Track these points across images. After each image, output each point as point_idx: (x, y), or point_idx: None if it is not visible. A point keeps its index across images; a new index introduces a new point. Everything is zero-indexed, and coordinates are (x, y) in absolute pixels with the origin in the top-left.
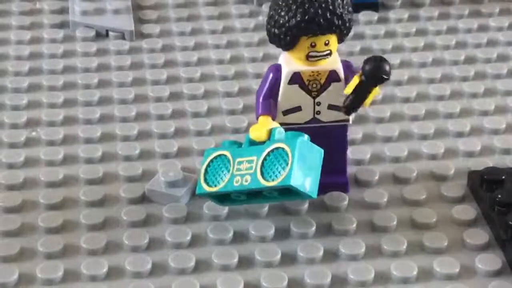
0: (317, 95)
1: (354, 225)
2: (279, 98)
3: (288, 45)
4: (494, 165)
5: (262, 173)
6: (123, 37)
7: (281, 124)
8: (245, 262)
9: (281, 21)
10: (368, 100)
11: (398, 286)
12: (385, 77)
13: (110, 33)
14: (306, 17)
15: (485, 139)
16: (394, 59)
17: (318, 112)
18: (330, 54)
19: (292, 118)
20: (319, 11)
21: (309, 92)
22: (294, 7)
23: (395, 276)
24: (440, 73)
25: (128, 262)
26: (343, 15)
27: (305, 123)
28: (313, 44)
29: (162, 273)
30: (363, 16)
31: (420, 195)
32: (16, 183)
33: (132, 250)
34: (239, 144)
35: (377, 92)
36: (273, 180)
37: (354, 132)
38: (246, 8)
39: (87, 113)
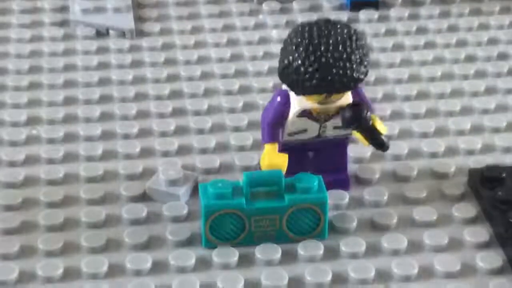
0: (324, 122)
1: (355, 223)
2: (287, 126)
3: (300, 93)
4: (494, 163)
5: (289, 228)
6: (123, 36)
7: (286, 142)
8: (246, 260)
9: (294, 77)
10: (381, 128)
11: (399, 284)
12: (363, 123)
13: (111, 31)
14: (323, 84)
15: (485, 137)
16: (394, 57)
17: (323, 131)
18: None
19: (296, 137)
20: (336, 77)
21: (316, 120)
22: (311, 69)
23: (395, 274)
24: (441, 72)
25: (129, 260)
26: (360, 76)
27: (308, 139)
28: (327, 96)
29: (162, 271)
30: (363, 14)
31: (420, 193)
32: (17, 181)
33: (132, 248)
34: (236, 185)
35: (377, 120)
36: (303, 235)
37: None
38: (246, 6)
39: (87, 111)
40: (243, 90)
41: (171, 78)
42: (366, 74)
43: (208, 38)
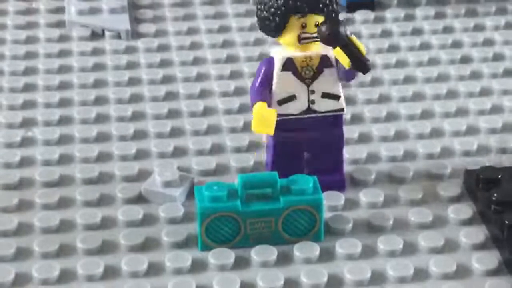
0: (311, 83)
1: (350, 224)
2: (274, 87)
3: (278, 26)
4: (490, 164)
5: (284, 230)
6: (119, 37)
7: (279, 116)
8: (242, 262)
9: (270, 3)
10: (360, 46)
11: (395, 286)
12: (339, 34)
13: (106, 32)
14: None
15: (481, 138)
16: (390, 58)
17: (313, 102)
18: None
19: (287, 108)
20: None
21: (302, 79)
22: None
23: (391, 275)
24: (437, 73)
25: (125, 262)
26: None
27: (301, 113)
28: (303, 24)
29: (158, 273)
30: (359, 15)
31: (416, 194)
32: (12, 182)
33: (129, 250)
34: (231, 188)
35: (356, 40)
36: (299, 236)
37: (350, 132)
38: (242, 7)
39: (83, 113)
40: (239, 91)
41: (167, 79)
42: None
43: (204, 39)
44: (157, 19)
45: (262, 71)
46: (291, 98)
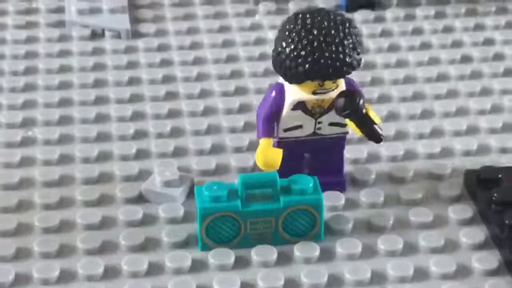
0: (320, 116)
1: (351, 224)
2: (281, 120)
3: (293, 83)
4: (490, 164)
5: (284, 230)
6: (119, 36)
7: (281, 138)
8: (242, 262)
9: (287, 64)
10: (375, 117)
11: (395, 286)
12: (357, 109)
13: (106, 32)
14: (316, 68)
15: (481, 138)
16: (390, 58)
17: (319, 128)
18: (336, 87)
19: (292, 133)
20: (329, 61)
21: (311, 115)
22: (303, 53)
23: (391, 275)
24: (437, 72)
25: (125, 262)
26: (353, 61)
27: (305, 136)
28: (320, 84)
29: (159, 273)
30: (359, 15)
31: (416, 194)
32: (12, 182)
33: (129, 250)
34: (231, 188)
35: (371, 110)
36: (299, 236)
37: (351, 132)
38: (242, 7)
39: (83, 113)
40: (239, 91)
41: (167, 79)
42: (359, 61)
43: (204, 39)
44: (157, 18)
45: (272, 103)
46: (298, 127)
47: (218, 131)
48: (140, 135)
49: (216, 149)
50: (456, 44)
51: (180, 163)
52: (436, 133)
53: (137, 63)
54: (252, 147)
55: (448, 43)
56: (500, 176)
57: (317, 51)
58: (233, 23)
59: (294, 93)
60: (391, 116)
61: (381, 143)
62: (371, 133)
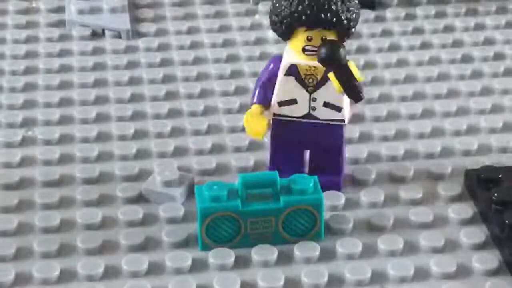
0: (313, 91)
1: (351, 224)
2: (276, 89)
3: (284, 33)
4: (490, 163)
5: (285, 230)
6: (119, 36)
7: (276, 115)
8: (242, 261)
9: (279, 9)
10: (356, 75)
11: (395, 285)
12: (338, 58)
13: (106, 32)
14: (299, 8)
15: (481, 138)
16: (390, 57)
17: (314, 108)
18: None
19: (287, 110)
20: (313, 5)
21: (305, 86)
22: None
23: (392, 275)
24: (437, 72)
25: (125, 262)
26: (340, 13)
27: (300, 117)
28: (309, 37)
29: (159, 273)
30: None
31: (416, 194)
32: (12, 182)
33: (129, 250)
34: (231, 187)
35: (353, 66)
36: (299, 236)
37: (351, 131)
38: (242, 7)
39: (83, 112)
40: (240, 91)
41: (167, 79)
42: (348, 17)
43: (204, 38)
44: (158, 18)
45: (269, 70)
46: (292, 101)
47: (218, 130)
48: (140, 135)
49: (216, 149)
50: (457, 43)
51: (180, 163)
52: (436, 132)
53: (137, 62)
54: (252, 147)
55: (449, 42)
56: (500, 176)
57: None
58: (233, 22)
59: (288, 57)
60: (392, 116)
61: (361, 101)
62: (350, 90)
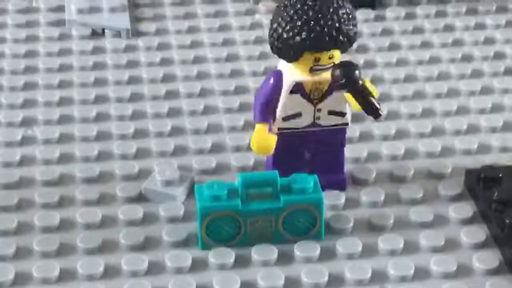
0: (318, 102)
1: (351, 223)
2: (279, 106)
3: (291, 59)
4: (491, 163)
5: (285, 229)
6: (119, 35)
7: (280, 129)
8: (242, 261)
9: (284, 36)
10: (373, 91)
11: (395, 285)
12: (353, 79)
13: (106, 31)
14: (312, 35)
15: (482, 137)
16: (391, 57)
17: (318, 118)
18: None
19: (291, 123)
20: (325, 29)
21: (310, 100)
22: (299, 23)
23: (392, 274)
24: (437, 71)
25: (125, 261)
26: (349, 31)
27: (304, 127)
28: (317, 58)
29: (159, 272)
30: (360, 14)
31: (417, 193)
32: (12, 181)
33: (129, 249)
34: (231, 187)
35: (368, 82)
36: (300, 235)
37: (351, 131)
38: (242, 6)
39: (83, 112)
40: (240, 90)
41: (167, 78)
42: (354, 33)
43: (204, 37)
44: (157, 17)
45: (270, 88)
46: (296, 115)
47: (218, 130)
48: (140, 134)
49: (216, 148)
50: (457, 43)
51: (180, 162)
52: (436, 132)
53: (137, 62)
54: None
55: (449, 42)
56: (500, 175)
57: (312, 20)
58: (233, 22)
59: (292, 75)
60: (392, 115)
61: (380, 119)
62: (369, 106)
